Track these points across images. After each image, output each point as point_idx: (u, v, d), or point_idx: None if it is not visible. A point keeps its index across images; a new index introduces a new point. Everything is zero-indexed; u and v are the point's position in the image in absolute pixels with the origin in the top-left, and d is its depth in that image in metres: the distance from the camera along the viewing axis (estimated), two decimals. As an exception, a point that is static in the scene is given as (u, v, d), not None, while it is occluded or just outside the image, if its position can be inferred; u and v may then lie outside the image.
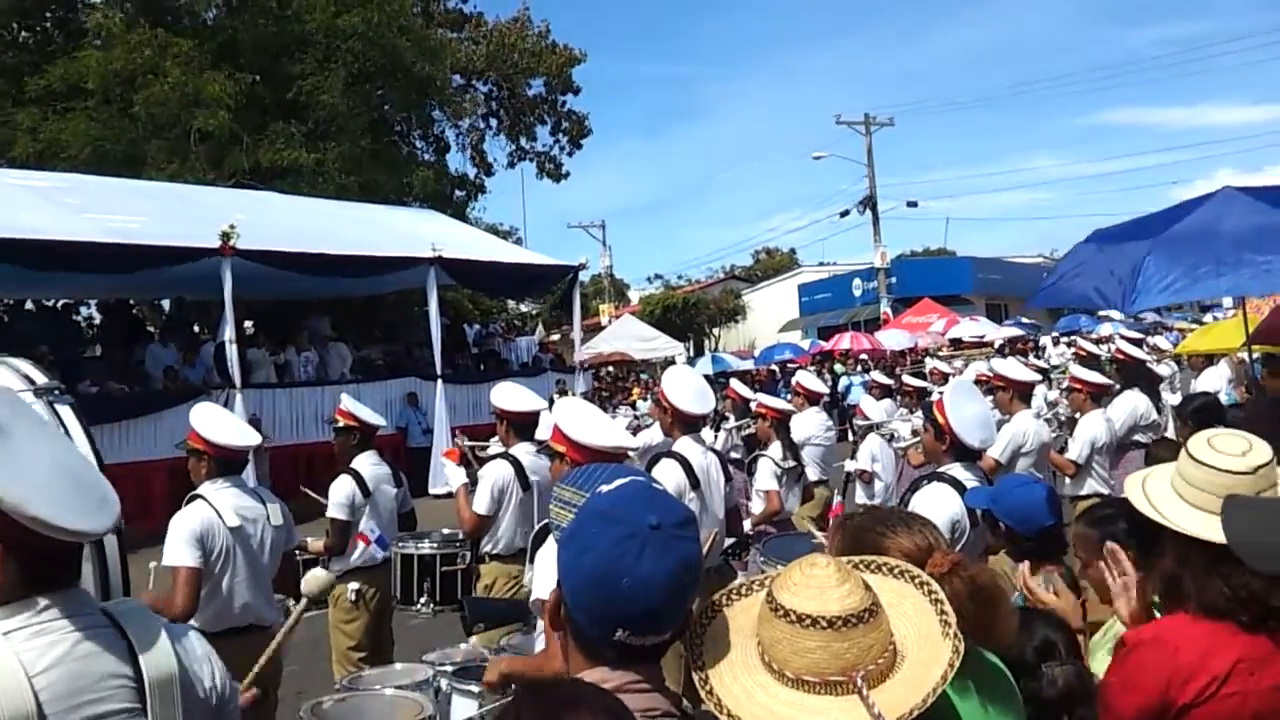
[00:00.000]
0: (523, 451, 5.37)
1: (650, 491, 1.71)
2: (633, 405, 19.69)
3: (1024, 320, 31.37)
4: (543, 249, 25.10)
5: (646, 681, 1.58)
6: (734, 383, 10.23)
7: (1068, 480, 7.13)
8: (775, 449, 7.15)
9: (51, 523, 1.56)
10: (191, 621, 3.94)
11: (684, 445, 5.12)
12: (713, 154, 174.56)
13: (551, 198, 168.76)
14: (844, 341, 30.07)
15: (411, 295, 20.16)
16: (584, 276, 21.22)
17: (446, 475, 5.50)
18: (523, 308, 41.66)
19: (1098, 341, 18.03)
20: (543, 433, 5.79)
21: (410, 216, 20.65)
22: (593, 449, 3.70)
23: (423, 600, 5.14)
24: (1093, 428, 7.14)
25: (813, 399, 8.75)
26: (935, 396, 4.81)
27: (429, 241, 16.63)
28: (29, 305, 17.55)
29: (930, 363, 17.26)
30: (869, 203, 37.22)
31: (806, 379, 9.34)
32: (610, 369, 31.08)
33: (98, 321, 18.24)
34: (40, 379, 2.88)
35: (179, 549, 4.06)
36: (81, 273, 13.38)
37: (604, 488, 1.80)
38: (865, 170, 37.42)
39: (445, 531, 5.51)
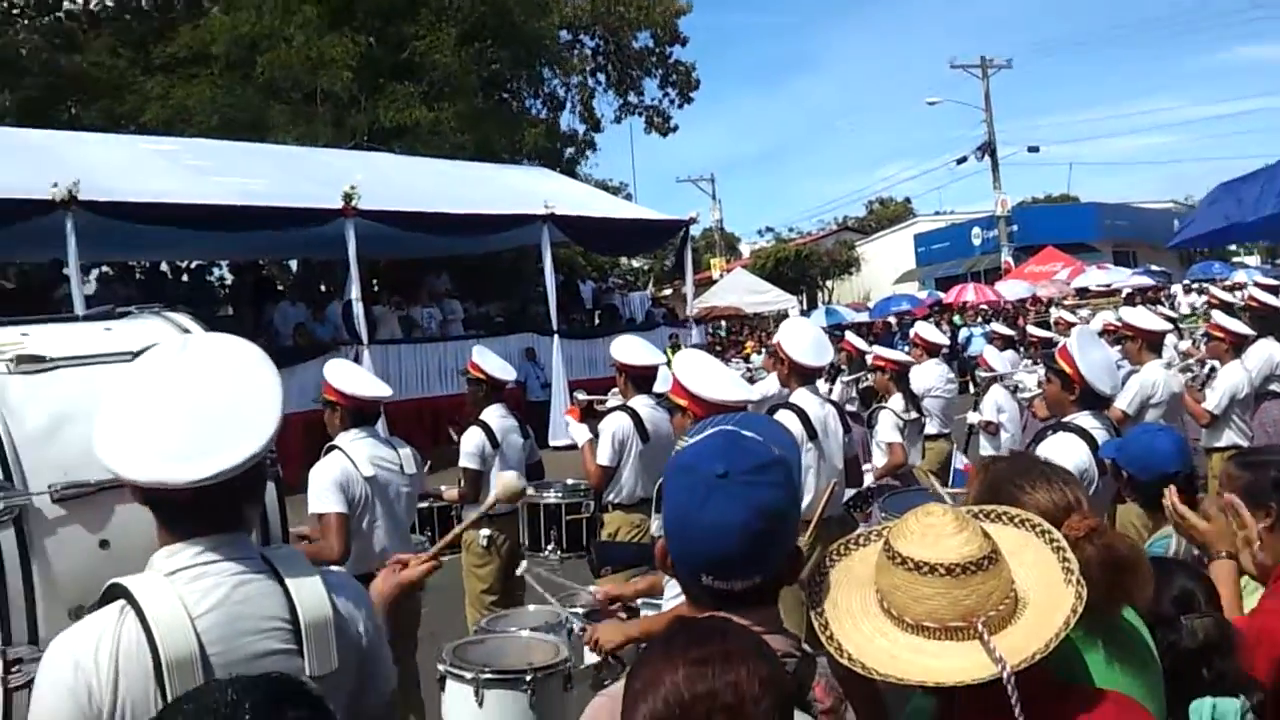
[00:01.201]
0: (641, 404, 5.47)
1: (728, 441, 1.73)
2: (745, 359, 19.62)
3: (1153, 268, 30.10)
4: (652, 204, 25.01)
5: (760, 624, 1.61)
6: (849, 335, 10.14)
7: (1204, 431, 6.90)
8: (896, 401, 7.08)
9: (136, 479, 1.66)
10: (334, 567, 4.16)
11: (801, 397, 5.13)
12: (823, 103, 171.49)
13: (660, 152, 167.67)
14: (967, 293, 29.34)
15: (526, 252, 20.46)
16: (694, 231, 21.18)
17: (571, 433, 5.63)
18: (634, 263, 41.80)
19: (1230, 288, 17.20)
20: (660, 386, 5.89)
21: (523, 174, 20.89)
22: (713, 402, 3.73)
23: (550, 547, 5.30)
24: (1233, 378, 6.91)
25: (932, 351, 8.60)
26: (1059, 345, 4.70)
27: (542, 198, 16.78)
28: (164, 267, 18.39)
29: (1055, 312, 16.75)
30: (987, 149, 36.05)
31: (926, 330, 9.18)
32: (722, 323, 31.03)
33: (229, 282, 19.00)
34: (195, 329, 3.00)
35: (324, 497, 4.25)
36: (213, 235, 13.92)
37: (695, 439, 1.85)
38: (983, 115, 36.24)
39: (569, 482, 5.66)
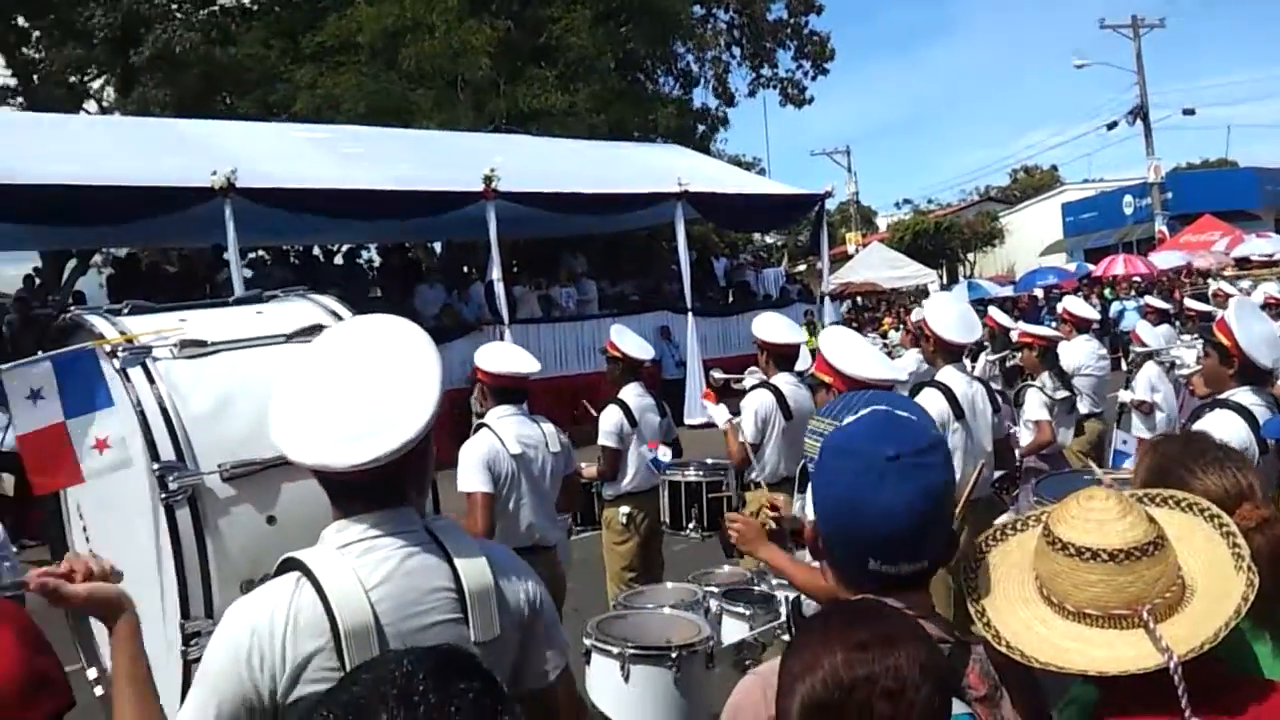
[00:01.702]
0: (784, 381, 5.45)
1: (889, 421, 1.71)
2: (883, 335, 19.29)
3: (1320, 236, 28.13)
4: (786, 179, 24.88)
5: (913, 609, 1.59)
6: (992, 310, 9.85)
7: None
8: (1044, 379, 6.86)
9: (304, 462, 1.74)
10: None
11: (947, 375, 5.02)
12: (962, 69, 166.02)
13: (794, 125, 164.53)
14: (1117, 265, 28.08)
15: (660, 230, 20.54)
16: (829, 205, 20.86)
17: (710, 415, 5.64)
18: (768, 239, 41.45)
19: None
20: (799, 363, 5.85)
21: (657, 152, 20.96)
22: (859, 380, 3.69)
23: (691, 526, 5.34)
24: None
25: (1082, 326, 8.28)
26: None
27: (675, 176, 16.81)
28: (316, 251, 19.17)
29: (1213, 284, 15.89)
30: (1139, 113, 34.28)
31: (1075, 304, 8.85)
32: (859, 299, 30.52)
33: (377, 264, 19.68)
34: (341, 311, 3.09)
35: (472, 475, 4.39)
36: (362, 219, 14.45)
37: (848, 419, 1.82)
38: (1134, 77, 34.42)
39: (709, 461, 5.67)
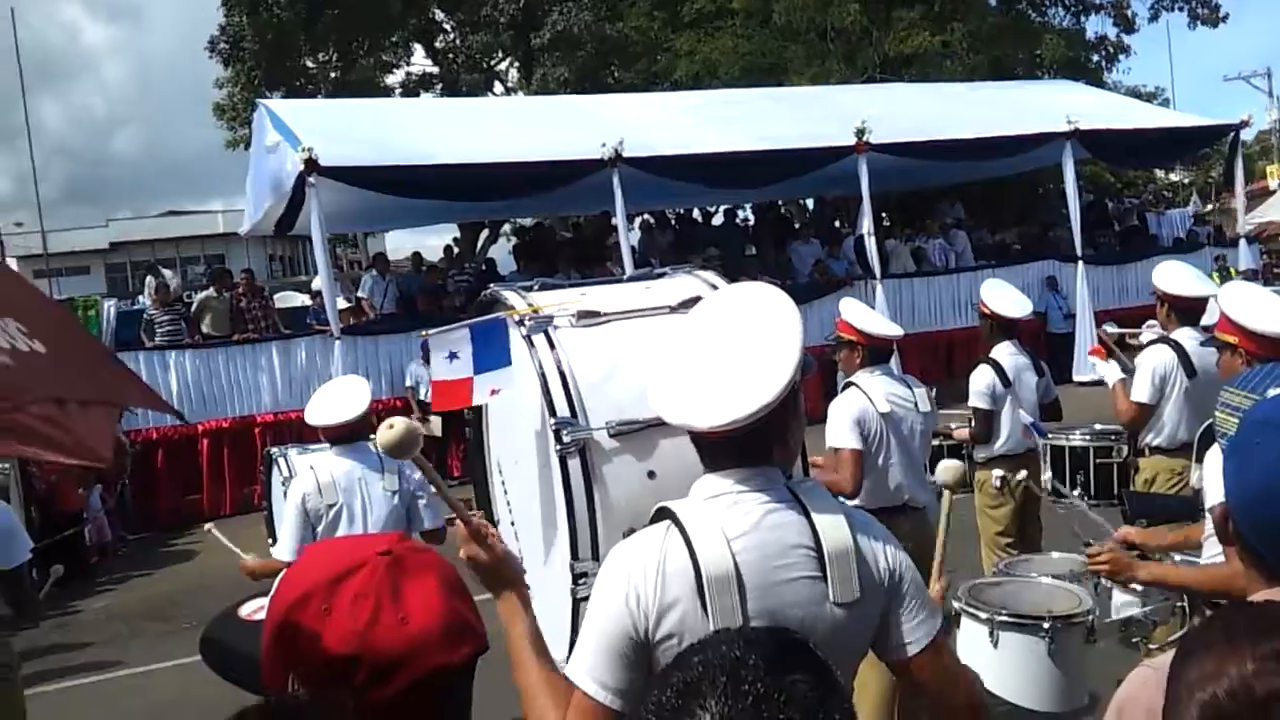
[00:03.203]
0: (1186, 337, 5.00)
1: None
2: (1314, 282, 16.90)
3: None
4: (1193, 109, 22.24)
5: None
6: None
7: None
8: None
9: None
10: (856, 501, 4.35)
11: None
12: None
13: (1203, 48, 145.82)
14: None
15: (1046, 173, 19.27)
16: (1246, 135, 18.49)
17: (1100, 372, 5.28)
18: (1172, 176, 37.57)
19: None
20: (1207, 318, 5.33)
21: (1042, 90, 19.59)
22: (1274, 340, 3.33)
23: (1076, 493, 5.06)
24: None
25: None
26: None
27: (1064, 114, 15.68)
28: (695, 214, 19.94)
29: None
30: None
31: None
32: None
33: (751, 223, 20.12)
34: (721, 284, 3.22)
35: (841, 432, 4.45)
36: (735, 182, 14.82)
37: (1273, 391, 1.65)
38: None
39: (1098, 426, 5.31)
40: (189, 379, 12.61)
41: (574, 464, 2.89)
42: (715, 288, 3.14)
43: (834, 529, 1.83)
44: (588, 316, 3.12)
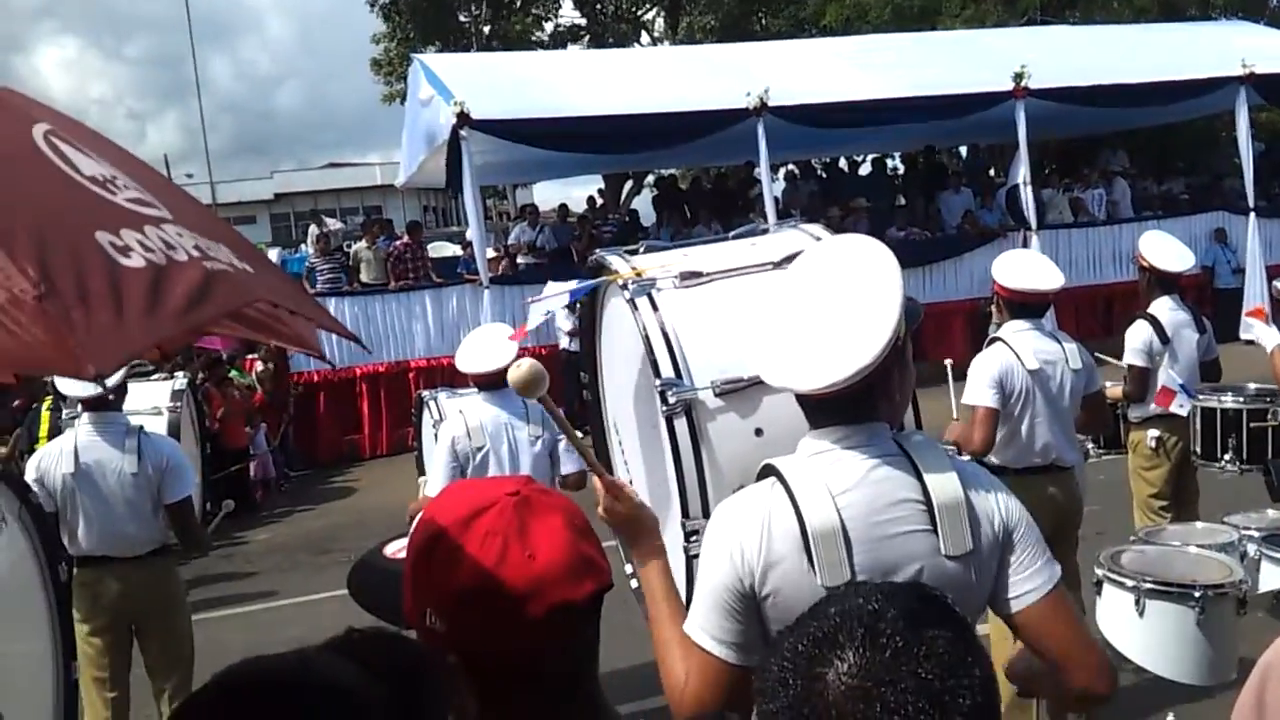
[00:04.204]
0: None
1: None
2: None
3: None
4: (1400, 45, 20.19)
5: None
6: None
7: None
8: None
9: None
10: (992, 458, 4.26)
11: None
12: None
13: None
14: None
15: (1217, 120, 18.08)
16: None
17: (1257, 335, 4.99)
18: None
19: None
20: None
21: (1216, 31, 18.29)
22: None
23: (1227, 457, 4.82)
24: None
25: None
26: None
27: (1239, 57, 14.71)
28: (842, 163, 19.51)
29: None
30: None
31: None
32: None
33: (900, 172, 19.57)
34: (825, 236, 3.16)
35: (978, 389, 4.33)
36: (887, 127, 14.43)
37: None
38: None
39: (1253, 387, 5.02)
40: (348, 324, 13.19)
41: (680, 424, 2.94)
42: (819, 240, 3.09)
43: (942, 481, 1.82)
44: (690, 277, 3.13)
